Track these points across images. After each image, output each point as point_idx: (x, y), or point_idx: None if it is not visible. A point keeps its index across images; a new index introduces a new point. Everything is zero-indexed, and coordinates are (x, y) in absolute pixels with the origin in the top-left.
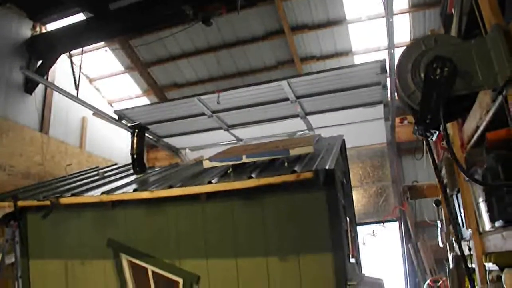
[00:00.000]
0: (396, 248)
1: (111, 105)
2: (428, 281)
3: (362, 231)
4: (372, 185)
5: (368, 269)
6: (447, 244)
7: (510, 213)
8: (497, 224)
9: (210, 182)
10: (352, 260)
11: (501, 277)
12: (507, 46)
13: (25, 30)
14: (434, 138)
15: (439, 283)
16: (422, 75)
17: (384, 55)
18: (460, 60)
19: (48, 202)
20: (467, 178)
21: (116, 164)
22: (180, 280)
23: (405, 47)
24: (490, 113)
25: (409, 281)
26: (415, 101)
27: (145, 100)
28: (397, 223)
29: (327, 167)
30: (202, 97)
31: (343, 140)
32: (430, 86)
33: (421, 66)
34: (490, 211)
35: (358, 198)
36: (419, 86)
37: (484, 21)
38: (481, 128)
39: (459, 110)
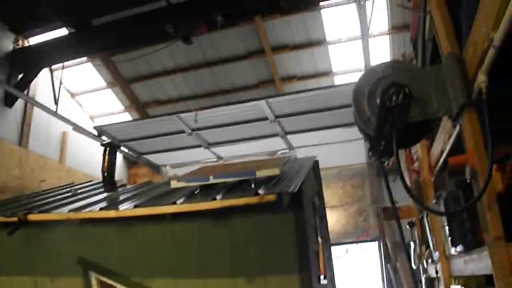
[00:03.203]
0: (374, 267)
1: (92, 120)
2: None
3: (338, 251)
4: (352, 205)
5: None
6: (420, 265)
7: (470, 238)
8: (458, 248)
9: (174, 203)
10: (324, 281)
11: None
12: (461, 74)
13: (7, 43)
14: (389, 164)
15: None
16: (378, 101)
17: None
18: (416, 87)
19: (15, 219)
20: (433, 201)
21: (92, 180)
22: None
23: (362, 73)
24: (452, 138)
25: None
26: (370, 127)
27: (126, 116)
28: (376, 243)
29: (290, 190)
30: (182, 115)
31: (316, 161)
32: (385, 112)
33: (378, 92)
34: (451, 236)
35: (338, 218)
36: (374, 112)
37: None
38: (445, 152)
39: (415, 136)
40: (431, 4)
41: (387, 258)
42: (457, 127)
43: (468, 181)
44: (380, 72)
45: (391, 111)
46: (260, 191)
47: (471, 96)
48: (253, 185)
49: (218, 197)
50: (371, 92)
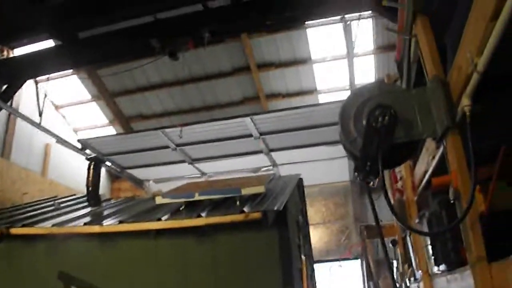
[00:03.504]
0: (356, 285)
1: (76, 133)
2: None
3: (322, 268)
4: (334, 223)
5: None
6: (402, 284)
7: (453, 258)
8: (441, 268)
9: (159, 219)
10: None
11: None
12: (445, 97)
13: None
14: (375, 184)
15: None
16: (364, 122)
17: (347, 95)
18: (402, 109)
19: None
20: (416, 220)
21: (75, 194)
22: None
23: (349, 93)
24: (436, 159)
25: None
26: (356, 148)
27: (110, 130)
28: (358, 261)
29: (275, 208)
30: (166, 130)
31: (301, 179)
32: (371, 133)
33: (364, 113)
34: (434, 255)
35: (321, 235)
36: (360, 133)
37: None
38: (428, 173)
39: (400, 157)
40: (416, 28)
41: (369, 276)
42: (441, 149)
43: (452, 201)
44: (366, 93)
45: (377, 132)
46: (246, 209)
47: (455, 118)
48: (238, 203)
49: (203, 214)
50: (358, 113)
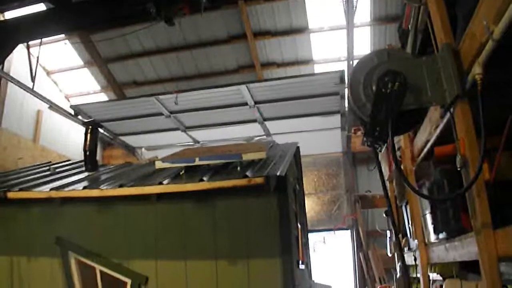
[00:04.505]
0: (347, 255)
1: (68, 99)
2: None
3: (314, 238)
4: (326, 193)
5: (319, 275)
6: (395, 253)
7: (453, 226)
8: (440, 236)
9: (161, 183)
10: (302, 266)
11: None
12: (456, 65)
13: None
14: (382, 150)
15: None
16: (374, 87)
17: (343, 66)
18: (411, 76)
19: None
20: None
21: (69, 160)
22: (128, 281)
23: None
24: (439, 129)
25: None
26: (365, 113)
27: (103, 97)
28: (349, 231)
29: (278, 174)
30: (161, 97)
31: (298, 147)
32: (381, 99)
33: (373, 79)
34: (434, 223)
35: (312, 205)
36: (370, 98)
37: (436, 40)
38: (430, 142)
39: (407, 124)
40: None
41: (359, 246)
42: (445, 118)
43: (459, 169)
44: (376, 59)
45: (386, 98)
46: (248, 174)
47: (465, 87)
48: (239, 168)
49: (205, 178)
50: (367, 78)
